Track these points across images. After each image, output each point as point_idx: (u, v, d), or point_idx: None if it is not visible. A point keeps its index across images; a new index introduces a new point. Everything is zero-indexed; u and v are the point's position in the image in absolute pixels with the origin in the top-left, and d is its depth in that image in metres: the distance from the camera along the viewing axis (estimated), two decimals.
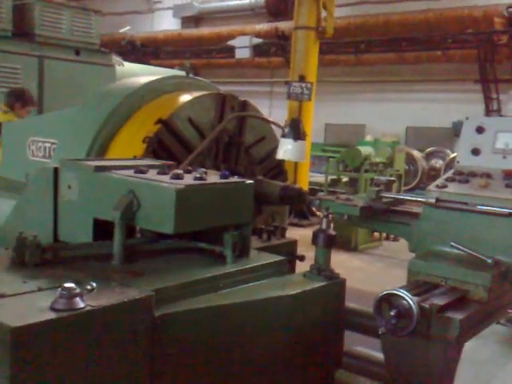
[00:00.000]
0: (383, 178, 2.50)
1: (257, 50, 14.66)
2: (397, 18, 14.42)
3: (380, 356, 2.34)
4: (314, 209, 10.00)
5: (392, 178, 2.52)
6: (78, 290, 1.48)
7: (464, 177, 2.41)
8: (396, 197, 2.50)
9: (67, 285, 1.48)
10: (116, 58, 5.95)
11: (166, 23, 20.74)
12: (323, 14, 9.78)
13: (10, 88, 4.93)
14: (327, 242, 2.20)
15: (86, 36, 5.56)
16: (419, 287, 2.08)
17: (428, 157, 15.68)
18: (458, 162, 2.52)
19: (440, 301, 1.98)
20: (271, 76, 18.92)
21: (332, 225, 2.23)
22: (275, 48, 16.05)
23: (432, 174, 14.53)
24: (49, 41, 5.24)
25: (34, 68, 5.18)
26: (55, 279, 1.66)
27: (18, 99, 4.72)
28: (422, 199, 2.39)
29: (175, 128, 3.19)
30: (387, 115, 17.01)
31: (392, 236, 9.39)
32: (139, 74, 4.12)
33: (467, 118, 2.53)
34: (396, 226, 2.50)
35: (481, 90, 14.70)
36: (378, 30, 14.72)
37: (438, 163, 15.45)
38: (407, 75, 16.62)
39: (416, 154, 15.11)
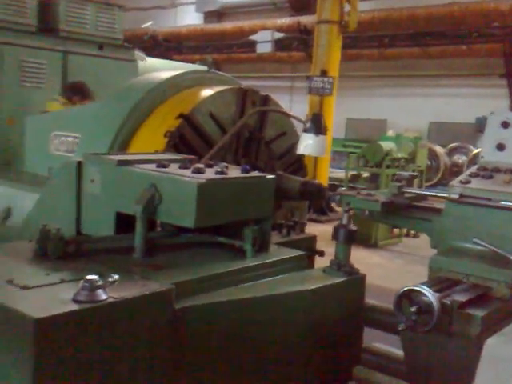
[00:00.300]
0: (405, 174, 2.48)
1: (278, 44, 14.61)
2: (421, 12, 14.21)
3: (399, 353, 2.33)
4: (333, 205, 9.94)
5: (415, 174, 2.49)
6: (100, 282, 1.50)
7: (488, 172, 2.37)
8: (418, 192, 2.47)
9: (90, 277, 1.50)
10: (139, 53, 5.98)
11: (188, 18, 20.77)
12: (346, 7, 9.70)
13: (32, 83, 5.00)
14: (348, 238, 2.19)
15: (110, 31, 5.59)
16: (440, 283, 2.06)
17: (451, 152, 15.47)
18: (482, 157, 2.48)
19: (461, 297, 1.96)
20: (292, 71, 18.83)
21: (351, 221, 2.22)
22: (297, 42, 15.95)
23: (454, 170, 14.33)
24: (73, 36, 5.28)
25: (59, 63, 5.22)
26: (78, 271, 1.69)
27: (77, 92, 4.78)
28: (445, 195, 2.36)
29: (196, 122, 3.20)
30: (410, 110, 16.81)
31: (412, 232, 9.31)
32: (161, 69, 4.14)
33: (492, 113, 2.49)
34: (418, 222, 2.47)
35: (506, 84, 14.42)
36: (402, 24, 14.53)
37: (460, 159, 15.23)
38: (431, 70, 16.40)
39: (439, 149, 14.92)
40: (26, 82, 5.02)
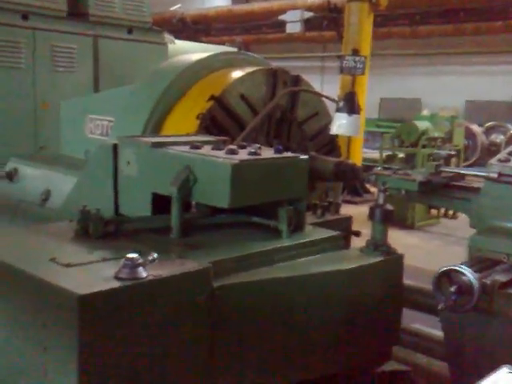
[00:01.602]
0: (443, 153, 2.45)
1: (308, 24, 14.41)
2: None
3: (437, 333, 2.31)
4: (367, 185, 9.86)
5: (452, 152, 2.44)
6: (140, 261, 1.53)
7: None
8: (456, 171, 2.42)
9: (130, 255, 1.53)
10: (168, 36, 5.99)
11: (216, 0, 20.66)
12: None
13: (64, 67, 5.06)
14: (384, 217, 2.17)
15: (139, 15, 5.61)
16: (480, 263, 2.03)
17: (488, 132, 15.12)
18: None
19: (502, 277, 1.93)
20: (323, 50, 18.61)
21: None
22: (327, 22, 15.73)
23: (492, 150, 14.00)
24: (102, 20, 5.32)
25: (89, 47, 5.27)
26: (118, 250, 1.71)
27: None
28: (484, 174, 2.31)
29: (227, 104, 3.19)
30: (444, 89, 16.45)
31: (450, 213, 9.15)
32: (190, 52, 4.14)
33: None
34: (456, 202, 2.43)
35: None
36: (433, 1, 14.17)
37: (498, 138, 14.88)
38: (465, 47, 15.99)
39: (475, 128, 14.59)
40: (58, 66, 5.08)
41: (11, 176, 3.60)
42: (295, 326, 1.93)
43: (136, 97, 3.51)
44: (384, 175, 2.36)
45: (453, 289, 1.84)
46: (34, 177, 3.52)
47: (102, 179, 2.31)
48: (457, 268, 1.87)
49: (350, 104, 3.09)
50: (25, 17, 4.83)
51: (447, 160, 2.36)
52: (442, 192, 2.40)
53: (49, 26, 4.98)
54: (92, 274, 1.55)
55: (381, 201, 2.18)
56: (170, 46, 5.82)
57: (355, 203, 9.92)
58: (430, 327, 2.43)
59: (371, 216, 2.19)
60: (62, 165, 3.51)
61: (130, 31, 5.50)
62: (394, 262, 2.20)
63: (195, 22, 18.31)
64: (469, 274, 1.84)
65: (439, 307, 1.89)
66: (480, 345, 2.02)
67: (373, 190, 10.00)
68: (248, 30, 17.98)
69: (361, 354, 2.14)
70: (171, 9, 18.08)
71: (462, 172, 2.47)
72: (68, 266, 1.59)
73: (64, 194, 2.82)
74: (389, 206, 2.19)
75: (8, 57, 4.75)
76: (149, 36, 5.65)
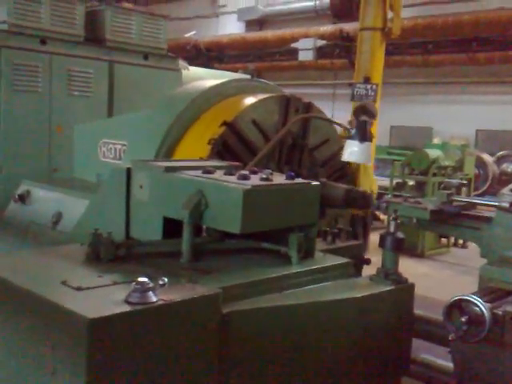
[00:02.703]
0: (454, 181, 2.43)
1: (320, 51, 14.58)
2: (468, 18, 13.91)
3: (447, 364, 2.27)
4: (377, 213, 9.82)
5: (463, 181, 2.44)
6: (150, 285, 1.53)
7: None
8: (468, 200, 2.42)
9: (141, 279, 1.53)
10: (182, 63, 6.08)
11: (230, 27, 20.98)
12: (389, 14, 9.61)
13: (80, 91, 5.15)
14: (395, 246, 2.16)
15: (155, 41, 5.71)
16: (491, 293, 2.01)
17: (499, 161, 15.04)
18: None
19: None
20: (334, 78, 18.75)
21: None
22: (339, 50, 15.89)
23: (503, 179, 13.92)
24: (119, 46, 5.42)
25: (105, 72, 5.36)
26: (129, 274, 1.72)
27: (365, 112, 4.92)
28: (495, 203, 2.30)
29: (240, 130, 3.22)
30: (456, 118, 16.44)
31: (460, 242, 9.07)
32: (204, 78, 4.19)
33: None
34: (467, 231, 2.42)
35: None
36: (447, 30, 14.27)
37: (509, 167, 14.79)
38: (477, 76, 16.03)
39: (486, 157, 14.52)
40: (74, 90, 5.17)
41: (23, 198, 3.65)
42: (304, 353, 1.91)
43: (149, 122, 3.56)
44: (395, 203, 2.36)
45: (464, 319, 1.82)
46: (45, 199, 3.56)
47: (114, 202, 2.33)
48: (468, 298, 1.85)
49: (362, 132, 3.10)
50: (43, 41, 4.94)
51: (458, 189, 2.35)
52: (453, 221, 2.39)
53: (66, 50, 5.09)
54: (102, 297, 1.56)
55: (392, 229, 2.18)
56: (184, 72, 5.91)
57: None
58: (437, 358, 2.39)
59: (382, 244, 2.18)
60: (73, 188, 3.55)
61: (145, 57, 5.60)
62: (405, 290, 2.19)
63: (209, 49, 18.59)
64: (480, 304, 1.82)
65: (450, 337, 1.87)
66: (491, 376, 1.99)
67: (383, 217, 9.94)
68: (261, 57, 18.20)
69: (370, 382, 2.11)
70: (186, 35, 18.39)
71: (474, 201, 2.46)
72: (79, 289, 1.60)
73: (75, 217, 2.84)
74: (400, 234, 2.18)
75: (26, 80, 4.85)
76: (164, 62, 5.74)
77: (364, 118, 4.34)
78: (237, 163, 2.54)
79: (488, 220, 2.37)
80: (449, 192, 2.35)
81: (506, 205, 2.23)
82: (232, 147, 3.20)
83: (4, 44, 4.70)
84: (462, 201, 2.40)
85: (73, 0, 5.14)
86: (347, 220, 3.63)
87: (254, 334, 1.78)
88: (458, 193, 2.47)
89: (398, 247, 2.17)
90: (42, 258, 1.98)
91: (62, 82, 5.06)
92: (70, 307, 1.46)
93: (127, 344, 1.47)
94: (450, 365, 2.20)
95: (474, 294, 1.93)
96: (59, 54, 5.04)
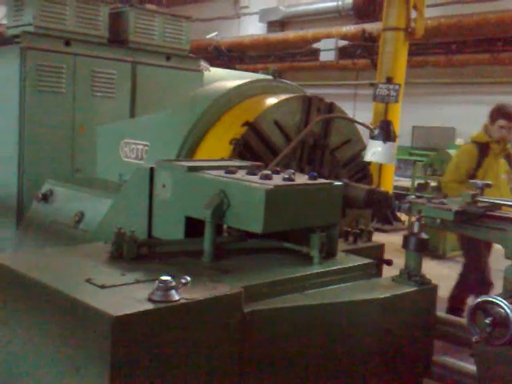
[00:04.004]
0: (479, 182, 2.39)
1: (342, 52, 14.51)
2: (493, 18, 13.70)
3: (470, 367, 2.24)
4: (398, 214, 9.73)
5: (488, 182, 2.40)
6: (173, 283, 1.54)
7: None
8: (493, 201, 2.37)
9: (164, 278, 1.55)
10: (203, 64, 6.11)
11: (252, 28, 21.00)
12: (413, 14, 9.53)
13: (103, 92, 5.20)
14: (419, 246, 2.14)
15: (177, 42, 5.73)
16: None
17: None
18: None
19: None
20: (356, 78, 18.65)
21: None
22: (360, 50, 15.80)
23: None
24: (142, 47, 5.46)
25: (128, 73, 5.40)
26: (151, 272, 1.74)
27: (504, 115, 4.94)
28: None
29: (261, 130, 3.23)
30: (479, 118, 16.20)
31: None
32: (225, 79, 4.20)
33: None
34: (491, 232, 2.37)
35: None
36: (471, 30, 14.08)
37: None
38: (501, 77, 15.79)
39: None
40: (97, 91, 5.22)
41: (46, 197, 3.71)
42: (325, 353, 1.91)
43: (171, 122, 3.58)
44: (419, 203, 2.33)
45: (488, 321, 1.79)
46: (68, 198, 3.61)
47: (137, 201, 2.35)
48: (492, 299, 1.82)
49: (386, 132, 3.07)
50: (67, 43, 5.00)
51: (483, 189, 2.31)
52: (477, 222, 2.35)
53: (90, 51, 5.14)
54: (126, 295, 1.57)
55: (416, 229, 2.15)
56: (206, 73, 5.93)
57: (386, 231, 9.77)
58: (459, 360, 2.36)
59: (405, 245, 2.16)
60: (95, 187, 3.59)
61: (168, 58, 5.63)
62: (428, 292, 2.17)
63: (230, 50, 18.63)
64: (505, 306, 1.79)
65: (473, 340, 1.84)
66: None
67: (404, 218, 9.84)
68: (282, 57, 18.17)
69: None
70: (208, 36, 18.46)
71: (499, 202, 2.42)
72: (103, 287, 1.62)
73: (97, 216, 2.88)
74: (424, 235, 2.16)
75: (50, 81, 4.91)
76: (186, 63, 5.76)
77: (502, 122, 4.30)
78: (259, 163, 2.54)
79: None
80: (473, 193, 2.32)
81: None
82: (253, 147, 3.20)
83: (30, 46, 4.77)
84: (486, 202, 2.36)
85: (97, 2, 5.19)
86: (368, 220, 3.61)
87: (275, 333, 1.78)
88: (482, 194, 2.43)
89: (422, 248, 2.15)
90: (66, 257, 2.01)
91: (85, 82, 5.12)
92: (95, 305, 1.48)
93: (150, 341, 1.48)
94: (472, 367, 2.17)
95: (498, 295, 1.90)
96: (83, 56, 5.09)
